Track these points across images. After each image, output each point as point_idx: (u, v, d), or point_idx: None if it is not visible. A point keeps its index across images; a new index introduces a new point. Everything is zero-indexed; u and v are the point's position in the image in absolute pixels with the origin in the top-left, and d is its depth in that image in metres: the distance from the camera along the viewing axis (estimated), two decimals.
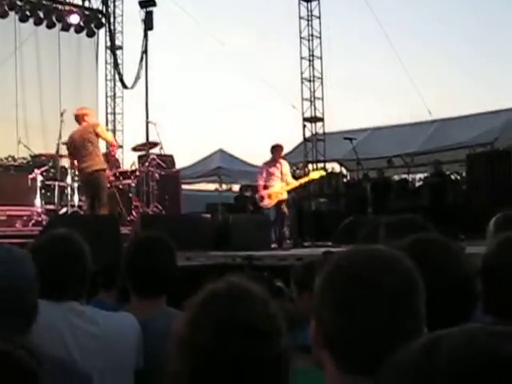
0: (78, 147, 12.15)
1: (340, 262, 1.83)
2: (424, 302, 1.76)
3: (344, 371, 1.75)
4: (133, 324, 3.41)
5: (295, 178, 14.93)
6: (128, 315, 3.46)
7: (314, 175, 15.06)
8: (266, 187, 13.93)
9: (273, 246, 13.01)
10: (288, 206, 14.25)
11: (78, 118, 12.32)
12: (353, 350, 1.73)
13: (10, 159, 21.77)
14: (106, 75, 26.69)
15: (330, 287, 1.78)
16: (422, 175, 26.96)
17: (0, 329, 2.07)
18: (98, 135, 12.32)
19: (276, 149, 14.17)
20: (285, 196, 14.07)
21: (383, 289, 1.72)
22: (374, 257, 1.80)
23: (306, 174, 15.43)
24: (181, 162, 18.95)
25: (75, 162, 12.55)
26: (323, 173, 14.81)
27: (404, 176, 24.60)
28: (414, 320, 1.73)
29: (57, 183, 14.43)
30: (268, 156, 14.34)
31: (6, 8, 21.61)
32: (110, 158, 15.06)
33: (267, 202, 13.86)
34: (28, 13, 22.38)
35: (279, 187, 13.92)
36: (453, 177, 22.96)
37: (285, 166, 14.20)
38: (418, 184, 25.17)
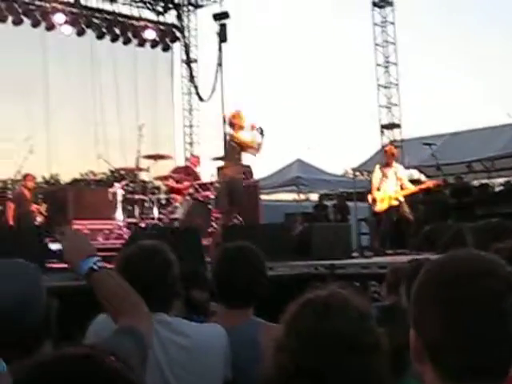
0: None
1: (439, 268, 1.76)
2: None
3: (448, 380, 1.67)
4: (222, 335, 3.38)
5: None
6: (217, 326, 3.43)
7: (429, 184, 14.68)
8: (378, 189, 13.68)
9: (354, 254, 12.89)
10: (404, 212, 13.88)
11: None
12: (458, 357, 1.66)
13: (90, 174, 22.14)
14: (182, 88, 26.93)
15: (431, 293, 1.72)
16: (502, 180, 26.50)
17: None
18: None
19: (386, 150, 13.98)
20: (396, 202, 13.75)
21: (489, 291, 1.66)
22: (474, 260, 1.74)
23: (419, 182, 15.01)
24: (259, 173, 18.96)
25: None
26: (439, 182, 14.44)
27: (484, 181, 24.19)
28: None
29: (137, 197, 14.58)
30: (342, 165, 14.21)
31: (83, 26, 22.00)
32: (189, 170, 15.18)
33: (379, 206, 13.62)
34: (104, 30, 22.77)
35: (393, 191, 13.66)
36: None
37: (400, 169, 13.92)
38: (498, 189, 24.74)
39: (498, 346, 1.64)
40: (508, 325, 1.64)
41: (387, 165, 13.79)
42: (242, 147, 12.68)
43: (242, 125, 12.72)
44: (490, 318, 1.64)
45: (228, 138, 12.96)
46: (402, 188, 13.72)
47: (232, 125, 12.77)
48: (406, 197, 13.83)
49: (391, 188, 13.63)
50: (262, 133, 12.55)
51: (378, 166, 13.96)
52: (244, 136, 12.57)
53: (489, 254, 1.83)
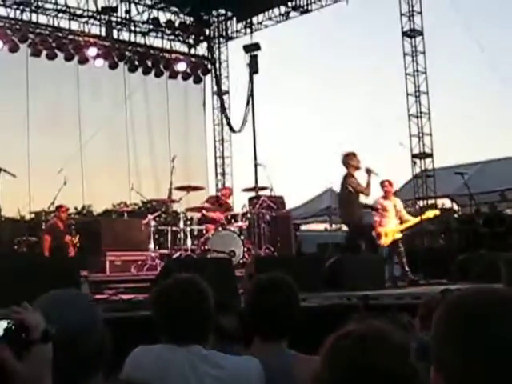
0: None
1: (459, 303, 1.74)
2: None
3: None
4: (257, 368, 3.39)
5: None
6: (252, 359, 3.44)
7: (429, 214, 14.75)
8: (380, 224, 13.77)
9: (387, 284, 12.82)
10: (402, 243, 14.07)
11: None
12: None
13: (122, 205, 22.24)
14: (214, 120, 27.01)
15: (450, 329, 1.69)
16: None
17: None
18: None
19: (384, 184, 14.03)
20: (400, 235, 13.88)
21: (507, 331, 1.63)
22: (495, 296, 1.71)
23: (419, 213, 15.14)
24: (291, 203, 18.98)
25: None
26: (437, 212, 14.51)
27: None
28: None
29: (169, 228, 14.65)
30: (375, 194, 14.26)
31: (116, 59, 22.25)
32: (221, 201, 15.23)
33: (384, 241, 13.68)
34: (136, 63, 23.01)
35: (394, 225, 13.74)
36: None
37: (398, 201, 14.04)
38: None
39: None
40: None
41: (386, 198, 13.85)
42: (358, 191, 13.24)
43: (358, 166, 13.18)
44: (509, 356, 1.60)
45: (345, 181, 13.40)
46: (401, 220, 13.82)
47: (348, 166, 13.28)
48: (407, 229, 14.26)
49: (393, 221, 13.71)
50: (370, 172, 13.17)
51: (379, 199, 14.05)
52: (358, 181, 13.28)
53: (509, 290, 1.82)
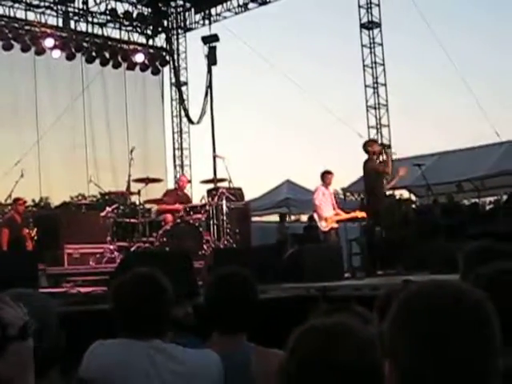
0: None
1: (408, 301, 1.77)
2: (499, 336, 1.71)
3: None
4: (216, 361, 3.40)
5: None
6: (211, 352, 3.44)
7: (358, 214, 14.88)
8: (321, 208, 14.02)
9: (346, 275, 12.90)
10: (337, 234, 14.39)
11: None
12: None
13: (80, 197, 22.11)
14: (172, 111, 26.96)
15: (401, 326, 1.73)
16: (492, 198, 26.55)
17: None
18: None
19: (326, 175, 14.24)
20: (336, 225, 14.20)
21: (456, 324, 1.67)
22: (442, 292, 1.74)
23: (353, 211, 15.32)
24: (249, 195, 18.98)
25: None
26: (364, 214, 14.68)
27: (474, 200, 24.25)
28: (492, 354, 1.68)
29: (128, 220, 14.61)
30: (332, 186, 14.53)
31: (73, 50, 22.08)
32: (179, 192, 15.19)
33: (324, 225, 13.93)
34: (94, 54, 22.85)
35: (333, 214, 14.00)
36: None
37: (332, 193, 14.41)
38: (488, 207, 24.78)
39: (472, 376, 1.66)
40: (480, 355, 1.66)
41: (326, 187, 14.13)
42: (380, 172, 13.41)
43: (378, 151, 13.73)
44: (457, 351, 1.66)
45: (366, 166, 13.56)
46: (336, 213, 14.11)
47: (368, 152, 13.46)
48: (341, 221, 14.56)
49: (331, 210, 13.97)
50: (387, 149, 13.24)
51: (320, 186, 14.21)
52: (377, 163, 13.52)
53: (460, 283, 1.86)
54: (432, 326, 1.67)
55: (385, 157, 13.73)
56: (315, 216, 14.36)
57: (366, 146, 13.65)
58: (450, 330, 1.66)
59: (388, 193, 20.50)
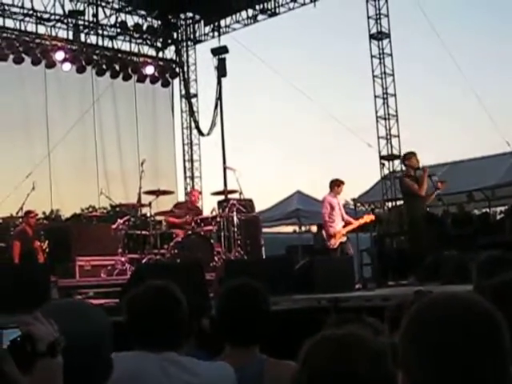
0: None
1: (421, 312, 1.79)
2: (509, 347, 1.72)
3: None
4: (230, 374, 3.40)
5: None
6: (225, 365, 3.45)
7: (366, 219, 14.76)
8: (330, 224, 13.78)
9: (357, 286, 12.87)
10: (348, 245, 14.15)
11: None
12: None
13: (90, 209, 22.17)
14: (182, 123, 26.97)
15: (415, 336, 1.75)
16: (503, 208, 26.48)
17: None
18: None
19: (336, 183, 14.06)
20: (345, 238, 14.00)
21: (466, 335, 1.69)
22: (454, 303, 1.77)
23: (359, 216, 15.19)
24: (260, 206, 19.00)
25: None
26: (373, 217, 14.56)
27: (485, 210, 24.20)
28: (502, 363, 1.70)
29: (139, 232, 14.63)
30: (342, 196, 14.37)
31: (84, 63, 22.15)
32: (190, 205, 15.22)
33: (332, 243, 13.73)
34: (104, 66, 22.94)
35: (341, 226, 13.83)
36: None
37: (341, 202, 14.17)
38: (499, 217, 24.73)
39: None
40: (483, 368, 1.68)
41: (334, 197, 13.92)
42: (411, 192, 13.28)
43: (416, 166, 13.32)
44: (467, 362, 1.67)
45: (400, 183, 13.81)
46: (345, 222, 13.91)
47: (406, 166, 13.51)
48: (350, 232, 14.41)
49: (340, 222, 13.77)
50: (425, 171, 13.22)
51: (327, 197, 14.04)
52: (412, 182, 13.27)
53: (470, 294, 1.86)
54: (442, 337, 1.69)
55: (421, 173, 13.40)
56: (323, 233, 14.14)
57: (404, 159, 13.61)
58: (460, 341, 1.68)
59: (399, 203, 20.50)
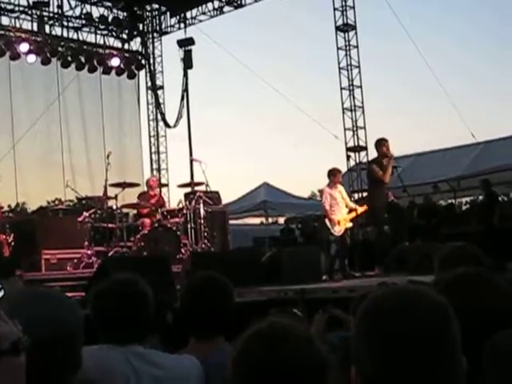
0: None
1: (368, 305, 1.80)
2: (459, 339, 1.74)
3: None
4: (195, 366, 3.41)
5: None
6: (190, 357, 3.45)
7: (362, 209, 14.76)
8: (332, 212, 13.66)
9: (323, 278, 12.91)
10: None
11: None
12: None
13: (56, 202, 22.02)
14: (149, 115, 26.90)
15: (362, 330, 1.77)
16: (468, 199, 26.70)
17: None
18: None
19: (333, 172, 14.01)
20: (351, 224, 13.97)
21: (411, 329, 1.70)
22: (402, 296, 1.79)
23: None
24: (226, 198, 19.01)
25: None
26: (366, 208, 14.60)
27: (451, 201, 24.39)
28: (450, 356, 1.72)
29: (105, 225, 14.57)
30: (309, 188, 14.34)
31: (48, 55, 21.99)
32: (151, 192, 15.21)
33: (338, 229, 13.60)
34: (69, 58, 22.78)
35: (345, 213, 13.73)
36: (500, 199, 22.67)
37: (343, 189, 14.02)
38: (464, 208, 24.94)
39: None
40: (426, 364, 1.69)
41: (332, 187, 13.88)
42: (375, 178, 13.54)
43: (386, 153, 13.45)
44: (413, 355, 1.68)
45: (367, 167, 13.99)
46: (349, 209, 13.90)
47: (377, 151, 13.68)
48: (356, 217, 14.40)
49: (343, 210, 13.75)
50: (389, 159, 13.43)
51: (325, 188, 14.01)
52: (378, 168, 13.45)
53: (423, 288, 1.87)
54: (390, 329, 1.70)
55: (386, 162, 13.45)
56: (327, 222, 13.84)
57: (376, 145, 13.77)
58: (408, 333, 1.69)
59: (365, 194, 20.57)
